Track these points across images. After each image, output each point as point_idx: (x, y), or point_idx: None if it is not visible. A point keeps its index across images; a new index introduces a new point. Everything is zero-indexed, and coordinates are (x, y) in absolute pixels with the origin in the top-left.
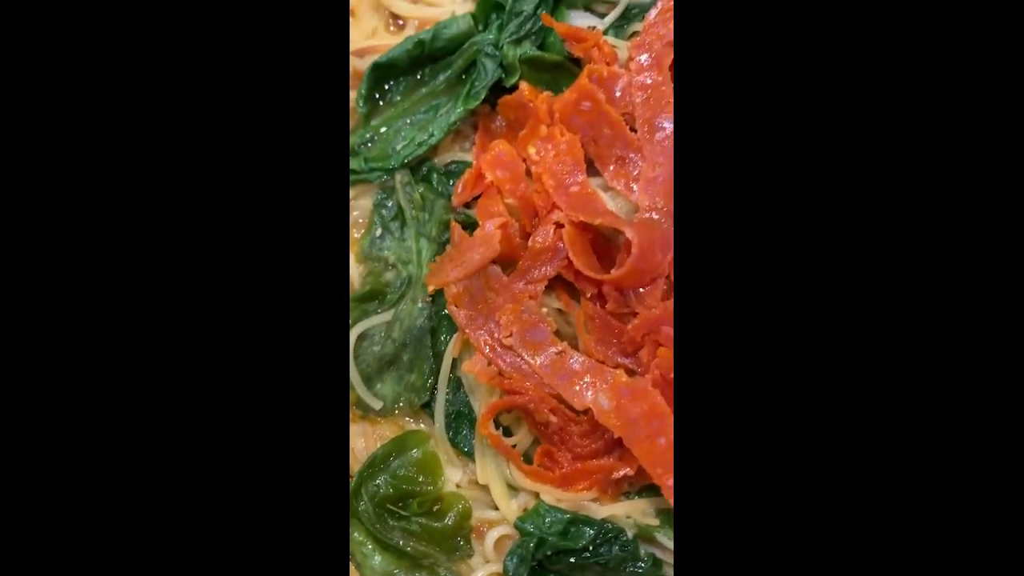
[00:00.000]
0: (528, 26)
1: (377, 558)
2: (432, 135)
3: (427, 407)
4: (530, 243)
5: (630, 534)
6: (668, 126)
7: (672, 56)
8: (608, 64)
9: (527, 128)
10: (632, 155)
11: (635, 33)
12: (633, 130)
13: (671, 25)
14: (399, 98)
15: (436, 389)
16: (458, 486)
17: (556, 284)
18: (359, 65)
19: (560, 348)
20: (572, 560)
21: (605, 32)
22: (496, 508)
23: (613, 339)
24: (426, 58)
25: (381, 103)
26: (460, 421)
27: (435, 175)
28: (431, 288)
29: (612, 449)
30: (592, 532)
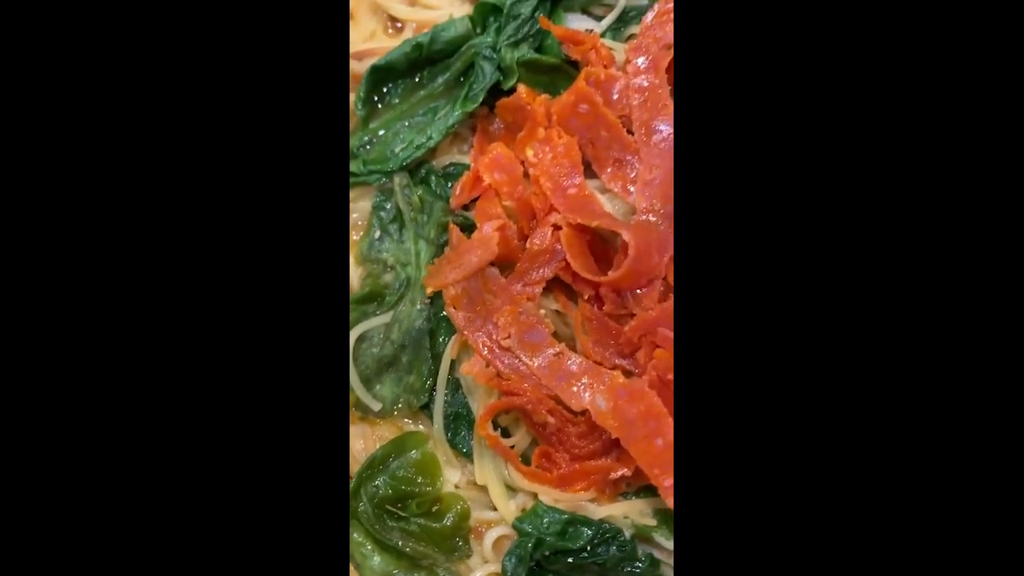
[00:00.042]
0: (526, 29)
1: (376, 558)
2: (430, 138)
3: (426, 408)
4: (528, 245)
5: (628, 534)
6: (665, 128)
7: (669, 59)
8: (605, 67)
9: (525, 130)
10: (629, 157)
11: (632, 36)
12: (630, 132)
13: (668, 28)
14: (397, 101)
15: (435, 390)
16: (457, 487)
17: (554, 286)
18: (357, 68)
19: (558, 349)
20: (570, 560)
21: (602, 35)
22: (494, 509)
23: (610, 340)
24: (424, 61)
25: (380, 106)
26: (459, 422)
27: (433, 177)
28: (430, 290)
29: (609, 450)
30: (590, 532)
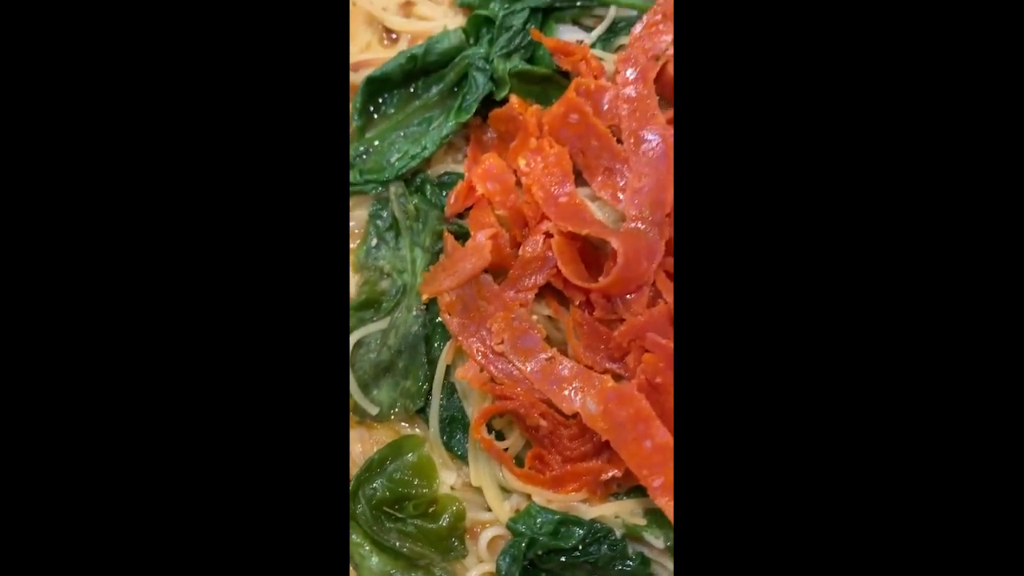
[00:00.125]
0: (517, 40)
1: (374, 559)
2: (425, 148)
3: (422, 412)
4: (520, 253)
5: (618, 533)
6: (653, 138)
7: (657, 69)
8: (595, 77)
9: (517, 140)
10: (619, 166)
11: (622, 46)
12: (620, 142)
13: (656, 39)
14: (393, 111)
15: (431, 395)
16: (452, 488)
17: (546, 292)
18: (353, 79)
19: (550, 354)
20: (563, 559)
21: (592, 46)
22: (489, 509)
23: (601, 345)
24: (419, 72)
25: (375, 116)
26: (454, 426)
27: (428, 186)
28: (425, 297)
29: (600, 452)
30: (582, 532)
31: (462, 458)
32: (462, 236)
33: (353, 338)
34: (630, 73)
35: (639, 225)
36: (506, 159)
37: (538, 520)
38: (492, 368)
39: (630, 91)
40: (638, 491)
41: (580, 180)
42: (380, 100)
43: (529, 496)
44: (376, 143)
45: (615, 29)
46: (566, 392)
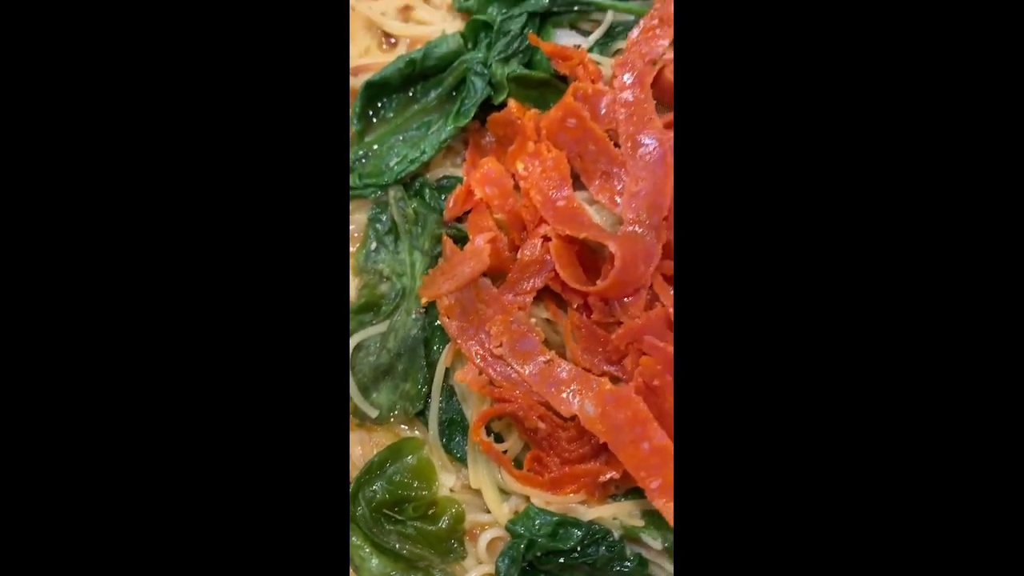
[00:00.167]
0: (515, 45)
1: (374, 561)
2: (424, 152)
3: (421, 415)
4: (519, 256)
5: (616, 535)
6: (650, 142)
7: (654, 74)
8: (593, 82)
9: (515, 144)
10: (616, 170)
11: (619, 51)
12: (617, 145)
13: (653, 43)
14: (392, 115)
15: (430, 398)
16: (452, 491)
17: (544, 295)
18: (353, 83)
19: (548, 357)
20: (561, 560)
21: (590, 50)
22: (488, 511)
23: (599, 347)
24: (417, 76)
25: (374, 120)
26: (453, 428)
27: (427, 190)
28: (424, 300)
29: (598, 454)
30: (580, 533)
31: (461, 460)
32: (461, 240)
33: (353, 341)
34: (627, 77)
35: (636, 229)
36: (504, 163)
37: (537, 522)
38: (491, 371)
39: (627, 95)
40: (636, 493)
41: (578, 184)
42: (379, 104)
43: (528, 498)
44: (375, 147)
45: (612, 34)
46: (564, 395)
